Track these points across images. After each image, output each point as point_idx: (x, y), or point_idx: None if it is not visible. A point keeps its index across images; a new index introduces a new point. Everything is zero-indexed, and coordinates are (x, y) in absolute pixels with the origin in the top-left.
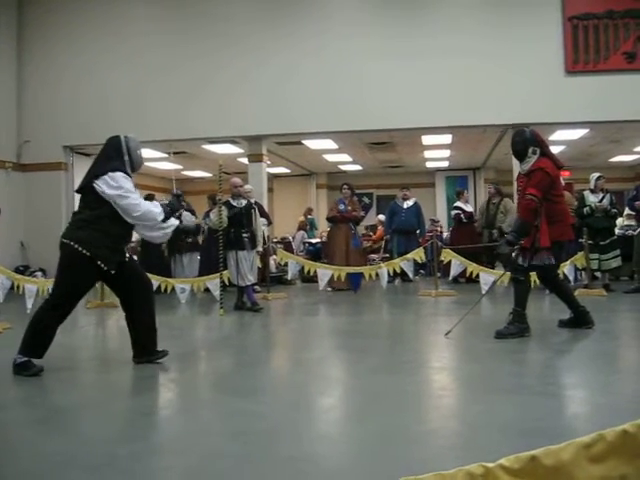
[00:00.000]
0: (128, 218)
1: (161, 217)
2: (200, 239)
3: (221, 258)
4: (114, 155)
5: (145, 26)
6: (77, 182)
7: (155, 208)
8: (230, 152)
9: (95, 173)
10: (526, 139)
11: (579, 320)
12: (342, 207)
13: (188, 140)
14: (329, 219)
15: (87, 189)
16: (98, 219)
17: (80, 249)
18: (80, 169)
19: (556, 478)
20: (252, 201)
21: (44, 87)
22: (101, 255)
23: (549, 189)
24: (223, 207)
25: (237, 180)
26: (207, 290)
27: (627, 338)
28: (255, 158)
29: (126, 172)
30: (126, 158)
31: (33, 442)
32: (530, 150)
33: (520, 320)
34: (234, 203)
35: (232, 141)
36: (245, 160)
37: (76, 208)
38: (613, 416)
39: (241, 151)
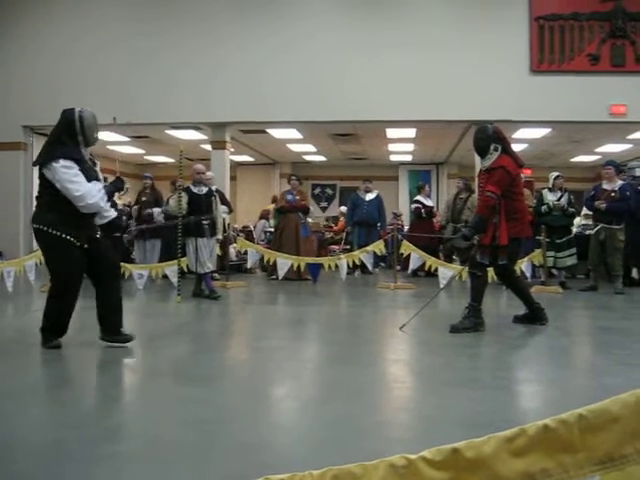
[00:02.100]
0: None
1: (103, 204)
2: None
3: (180, 245)
4: (65, 138)
5: (116, 14)
6: None
7: (97, 199)
8: (193, 138)
9: (44, 158)
10: (488, 136)
11: (534, 316)
12: (290, 197)
13: (152, 124)
14: (278, 210)
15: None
16: (59, 200)
17: (51, 231)
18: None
19: (477, 471)
20: (213, 188)
21: (14, 68)
22: (71, 232)
23: (509, 187)
24: (183, 193)
25: (200, 166)
26: (165, 277)
27: (579, 335)
28: (218, 145)
29: (74, 157)
30: (80, 138)
31: None
32: (492, 147)
33: (475, 315)
34: (195, 190)
35: (196, 127)
36: (208, 147)
37: (36, 188)
38: (562, 410)
39: (204, 137)
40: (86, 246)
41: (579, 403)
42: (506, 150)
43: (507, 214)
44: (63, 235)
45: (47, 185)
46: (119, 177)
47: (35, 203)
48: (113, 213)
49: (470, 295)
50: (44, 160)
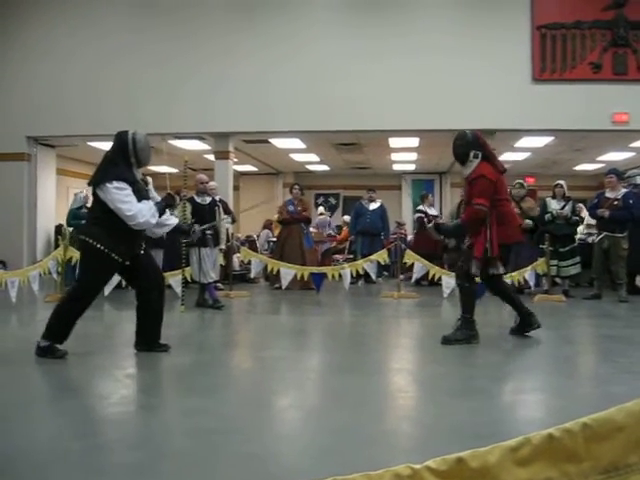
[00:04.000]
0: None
1: (154, 220)
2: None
3: (184, 254)
4: (119, 159)
5: (120, 25)
6: (41, 174)
7: (147, 217)
8: (197, 148)
9: (98, 179)
10: (468, 142)
11: (525, 322)
12: (291, 208)
13: (158, 135)
14: (280, 221)
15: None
16: (109, 216)
17: (96, 244)
18: (44, 161)
19: None
20: (217, 198)
21: (17, 80)
22: (115, 249)
23: (493, 194)
24: (187, 203)
25: (203, 176)
26: (169, 286)
27: (583, 343)
28: (221, 155)
29: (127, 179)
30: (132, 160)
31: None
32: (471, 154)
33: (468, 327)
34: (198, 200)
35: (199, 137)
36: (211, 157)
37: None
38: (566, 419)
39: (208, 148)
40: (127, 263)
41: (583, 412)
42: (486, 156)
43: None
44: (106, 250)
45: (99, 201)
46: (169, 193)
47: (86, 216)
48: (174, 220)
49: (461, 307)
50: (98, 180)
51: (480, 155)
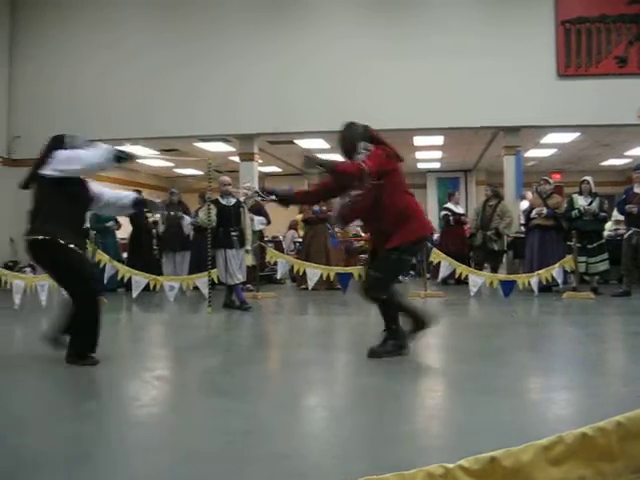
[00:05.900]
0: (79, 174)
1: (112, 155)
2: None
3: (210, 256)
4: (57, 145)
5: (142, 26)
6: None
7: (101, 149)
8: (222, 150)
9: (37, 164)
10: (357, 134)
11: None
12: (316, 208)
13: (181, 138)
14: (304, 221)
15: (32, 182)
16: (57, 211)
17: (57, 239)
18: None
19: (515, 479)
20: (241, 199)
21: (36, 83)
22: (73, 241)
23: (388, 175)
24: (212, 205)
25: (226, 179)
26: (196, 288)
27: (612, 341)
28: (247, 157)
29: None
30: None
31: (3, 439)
32: (360, 145)
33: (396, 337)
34: (223, 201)
35: (224, 139)
36: (237, 159)
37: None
38: (596, 418)
39: (233, 150)
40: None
41: (613, 411)
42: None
43: (399, 217)
44: (69, 244)
45: (44, 195)
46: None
47: (29, 219)
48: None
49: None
50: (41, 162)
51: (371, 147)
